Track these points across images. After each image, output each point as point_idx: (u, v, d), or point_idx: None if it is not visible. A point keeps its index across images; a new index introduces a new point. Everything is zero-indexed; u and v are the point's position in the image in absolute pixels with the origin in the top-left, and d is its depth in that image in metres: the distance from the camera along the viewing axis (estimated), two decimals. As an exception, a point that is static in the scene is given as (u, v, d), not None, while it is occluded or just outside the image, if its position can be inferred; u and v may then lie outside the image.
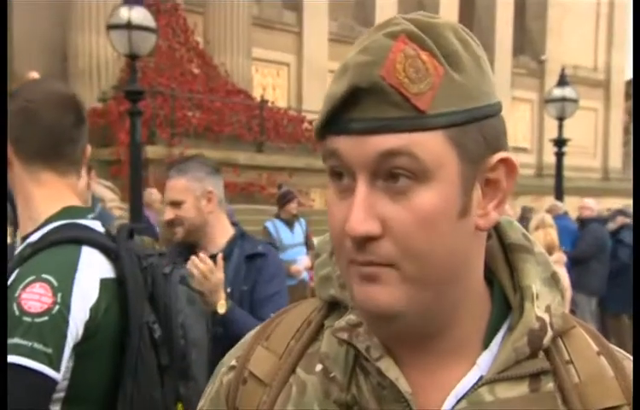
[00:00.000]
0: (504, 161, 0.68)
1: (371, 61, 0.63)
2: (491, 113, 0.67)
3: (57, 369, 1.27)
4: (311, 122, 16.35)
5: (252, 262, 2.41)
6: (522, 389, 0.67)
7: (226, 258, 2.38)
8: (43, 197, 1.43)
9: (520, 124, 24.31)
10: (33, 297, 1.27)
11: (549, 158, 16.40)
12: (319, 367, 0.73)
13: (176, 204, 2.41)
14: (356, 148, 0.64)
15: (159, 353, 1.47)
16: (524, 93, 24.47)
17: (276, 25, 18.96)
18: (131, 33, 8.32)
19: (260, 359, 0.78)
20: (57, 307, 1.28)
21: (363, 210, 0.63)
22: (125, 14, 8.35)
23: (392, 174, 0.63)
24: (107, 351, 1.38)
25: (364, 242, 0.64)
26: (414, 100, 0.62)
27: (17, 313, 1.25)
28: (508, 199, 0.70)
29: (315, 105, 17.55)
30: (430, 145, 0.63)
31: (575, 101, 12.36)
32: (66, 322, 1.29)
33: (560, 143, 12.24)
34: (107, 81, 14.00)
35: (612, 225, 8.36)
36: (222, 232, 2.46)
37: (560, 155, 12.28)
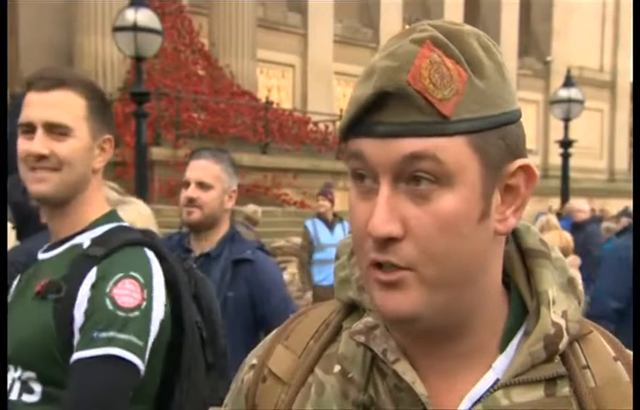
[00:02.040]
0: (524, 167, 0.69)
1: (398, 66, 0.64)
2: (512, 120, 0.68)
3: (144, 363, 1.31)
4: (316, 124, 16.36)
5: (238, 268, 2.41)
6: (538, 393, 0.68)
7: (214, 258, 2.40)
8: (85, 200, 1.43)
9: (525, 125, 23.30)
10: (125, 293, 1.30)
11: (555, 159, 16.41)
12: (337, 368, 0.74)
13: (204, 186, 2.40)
14: (380, 150, 0.64)
15: (205, 352, 1.51)
16: (529, 94, 24.41)
17: (280, 26, 18.98)
18: (137, 35, 8.38)
19: (280, 357, 0.79)
20: (145, 303, 1.32)
21: (387, 211, 0.64)
22: (130, 16, 8.41)
23: (415, 177, 0.64)
24: (162, 350, 1.41)
25: (386, 242, 0.65)
26: (438, 105, 0.63)
27: (111, 307, 1.28)
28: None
29: (320, 107, 17.59)
30: (453, 150, 0.64)
31: (581, 102, 12.37)
32: (151, 319, 1.33)
33: (565, 144, 12.25)
34: (113, 83, 14.04)
35: (616, 226, 8.31)
36: (224, 232, 2.48)
37: (565, 157, 12.28)
